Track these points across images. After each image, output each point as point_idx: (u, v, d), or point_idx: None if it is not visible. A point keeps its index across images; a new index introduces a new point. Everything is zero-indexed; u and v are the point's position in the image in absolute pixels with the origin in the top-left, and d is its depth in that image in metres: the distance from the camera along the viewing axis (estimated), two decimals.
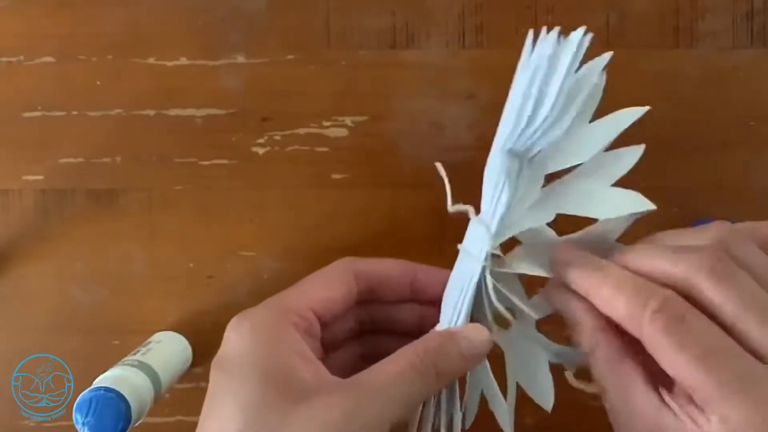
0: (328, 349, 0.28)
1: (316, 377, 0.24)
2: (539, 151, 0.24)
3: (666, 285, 0.21)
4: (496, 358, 0.27)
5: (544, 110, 0.22)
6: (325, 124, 0.49)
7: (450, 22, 0.49)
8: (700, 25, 0.50)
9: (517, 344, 0.26)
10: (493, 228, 0.24)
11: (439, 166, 0.28)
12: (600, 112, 0.47)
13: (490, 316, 0.26)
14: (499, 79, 0.44)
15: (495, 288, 0.25)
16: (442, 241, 0.49)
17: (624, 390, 0.21)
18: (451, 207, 0.27)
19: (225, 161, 0.49)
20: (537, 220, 0.24)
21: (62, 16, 0.49)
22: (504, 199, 0.24)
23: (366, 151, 0.49)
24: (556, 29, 0.23)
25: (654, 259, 0.22)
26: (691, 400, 0.19)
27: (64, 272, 0.49)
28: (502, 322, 0.26)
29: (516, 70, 0.25)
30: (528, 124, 0.23)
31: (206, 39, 0.49)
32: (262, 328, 0.25)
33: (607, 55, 0.25)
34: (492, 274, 0.25)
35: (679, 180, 0.50)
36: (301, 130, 0.49)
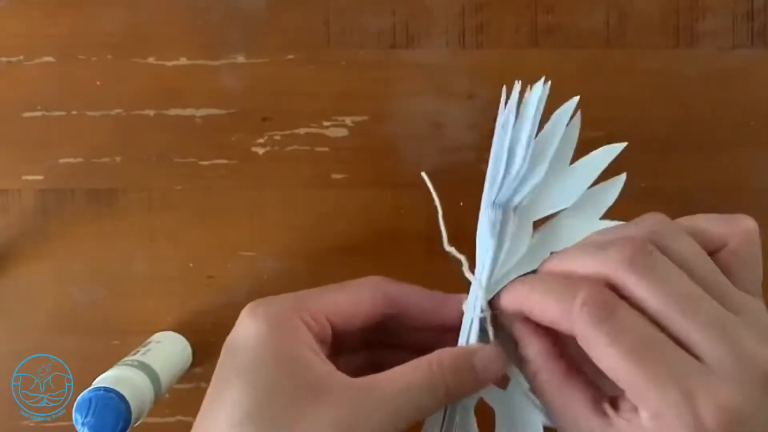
0: (335, 352, 0.28)
1: (328, 372, 0.23)
2: (523, 200, 0.25)
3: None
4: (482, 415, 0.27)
5: (518, 160, 0.24)
6: (325, 124, 0.49)
7: (450, 22, 0.49)
8: (700, 24, 0.50)
9: (511, 404, 0.26)
10: (484, 282, 0.25)
11: (429, 184, 0.28)
12: (600, 112, 0.47)
13: None
14: (499, 79, 0.43)
15: (498, 340, 0.25)
16: (442, 242, 0.49)
17: (570, 410, 0.21)
18: (447, 246, 0.27)
19: (225, 161, 0.49)
20: (533, 264, 0.25)
21: (62, 16, 0.49)
22: (490, 251, 0.25)
23: (366, 151, 0.49)
24: (518, 84, 0.24)
25: (578, 258, 0.22)
26: (632, 408, 0.19)
27: (64, 272, 0.49)
28: (500, 380, 0.26)
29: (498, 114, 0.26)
30: (505, 176, 0.24)
31: (206, 39, 0.49)
32: (278, 317, 0.24)
33: (574, 100, 0.26)
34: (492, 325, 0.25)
35: (679, 180, 0.50)
36: (301, 130, 0.49)
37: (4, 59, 0.49)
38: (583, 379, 0.22)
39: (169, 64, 0.49)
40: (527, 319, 0.23)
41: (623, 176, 0.26)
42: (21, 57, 0.49)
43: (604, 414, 0.20)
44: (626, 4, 0.50)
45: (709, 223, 0.22)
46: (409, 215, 0.49)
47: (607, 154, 0.26)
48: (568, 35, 0.50)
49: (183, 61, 0.49)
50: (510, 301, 0.24)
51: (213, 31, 0.49)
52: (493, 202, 0.25)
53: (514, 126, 0.25)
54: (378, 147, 0.49)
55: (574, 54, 0.49)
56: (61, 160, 0.49)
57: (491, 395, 0.26)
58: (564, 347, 0.23)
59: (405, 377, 0.23)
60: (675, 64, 0.50)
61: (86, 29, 0.49)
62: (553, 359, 0.22)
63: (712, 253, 0.21)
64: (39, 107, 0.49)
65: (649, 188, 0.50)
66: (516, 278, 0.25)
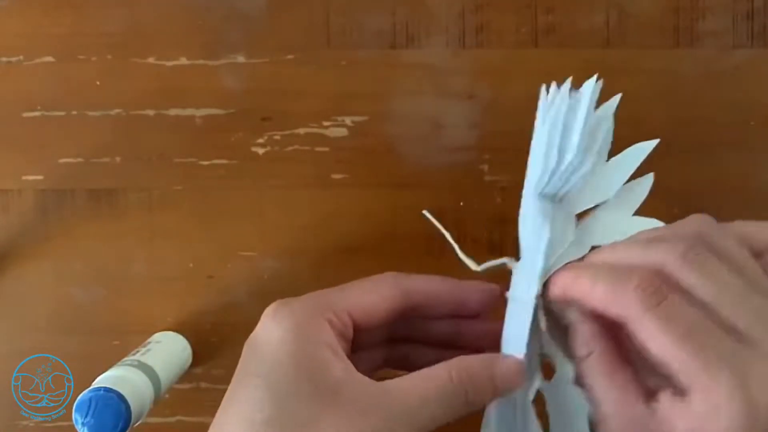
0: (355, 349, 0.28)
1: (348, 375, 0.23)
2: (567, 193, 0.26)
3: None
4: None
5: (569, 155, 0.25)
6: (325, 124, 0.49)
7: (450, 22, 0.49)
8: (700, 24, 0.50)
9: (559, 396, 0.26)
10: (539, 270, 0.25)
11: (428, 215, 0.28)
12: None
13: (537, 363, 0.26)
14: (499, 79, 0.44)
15: (548, 328, 0.25)
16: (442, 241, 0.49)
17: (614, 397, 0.21)
18: (466, 258, 0.28)
19: (225, 161, 0.49)
20: (575, 255, 0.25)
21: (62, 16, 0.49)
22: (545, 238, 0.25)
23: (366, 151, 0.49)
24: (568, 83, 0.25)
25: (627, 250, 0.22)
26: (674, 398, 0.19)
27: (64, 272, 0.49)
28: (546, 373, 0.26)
29: (535, 124, 0.27)
30: (555, 169, 0.25)
31: (206, 39, 0.49)
32: (299, 317, 0.25)
33: (617, 98, 0.27)
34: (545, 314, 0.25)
35: (679, 180, 0.50)
36: (301, 130, 0.49)
37: (3, 59, 0.49)
38: (629, 369, 0.22)
39: (169, 64, 0.49)
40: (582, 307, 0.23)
41: (651, 175, 0.27)
42: (21, 57, 0.49)
43: (648, 403, 0.20)
44: (626, 3, 0.50)
45: (756, 228, 0.23)
46: (409, 215, 0.49)
47: (640, 151, 0.27)
48: (568, 35, 0.50)
49: (183, 61, 0.49)
50: (560, 287, 0.24)
51: (213, 31, 0.49)
52: (542, 192, 0.25)
53: (561, 128, 0.25)
54: (378, 147, 0.49)
55: (574, 54, 0.49)
56: (61, 160, 0.49)
57: (544, 387, 0.26)
58: (611, 338, 0.23)
59: (424, 386, 0.23)
60: (675, 64, 0.50)
61: (86, 29, 0.49)
62: (602, 345, 0.23)
63: (757, 256, 0.22)
64: (39, 107, 0.49)
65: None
66: (562, 267, 0.25)
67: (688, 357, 0.19)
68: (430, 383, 0.24)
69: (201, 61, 0.49)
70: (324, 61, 0.49)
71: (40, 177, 0.49)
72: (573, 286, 0.23)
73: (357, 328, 0.27)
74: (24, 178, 0.49)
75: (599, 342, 0.23)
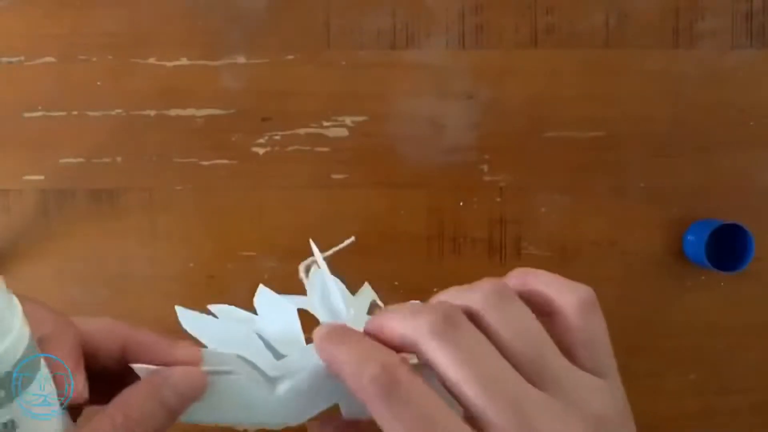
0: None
1: None
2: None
3: (402, 346, 0.21)
4: None
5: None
6: (325, 124, 0.49)
7: (450, 23, 0.49)
8: (699, 25, 0.50)
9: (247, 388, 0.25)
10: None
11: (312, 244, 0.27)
12: (600, 112, 0.47)
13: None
14: (499, 79, 0.44)
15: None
16: (442, 241, 0.49)
17: None
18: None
19: (225, 161, 0.49)
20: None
21: (62, 17, 0.49)
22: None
23: (366, 151, 0.49)
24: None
25: (392, 321, 0.22)
26: None
27: (64, 272, 0.49)
28: None
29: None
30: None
31: (206, 39, 0.49)
32: None
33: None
34: None
35: (679, 180, 0.50)
36: (301, 130, 0.49)
37: (4, 59, 0.49)
38: None
39: (170, 64, 0.49)
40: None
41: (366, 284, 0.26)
42: (22, 57, 0.49)
43: None
44: (626, 4, 0.50)
45: (548, 288, 0.22)
46: (409, 215, 0.49)
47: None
48: (567, 35, 0.50)
49: (183, 61, 0.49)
50: (320, 348, 0.23)
51: (213, 32, 0.49)
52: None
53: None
54: (378, 147, 0.49)
55: (574, 54, 0.49)
56: (62, 160, 0.49)
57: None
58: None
59: None
60: (674, 65, 0.50)
61: (87, 30, 0.49)
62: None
63: (551, 314, 0.21)
64: (40, 107, 0.49)
65: (649, 188, 0.51)
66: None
67: (479, 394, 0.18)
68: None
69: (201, 62, 0.49)
70: (324, 61, 0.49)
71: (41, 177, 0.49)
72: (332, 362, 0.22)
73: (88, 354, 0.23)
74: (25, 178, 0.49)
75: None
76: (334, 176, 0.49)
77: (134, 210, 0.49)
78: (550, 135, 0.50)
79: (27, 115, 0.49)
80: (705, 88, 0.50)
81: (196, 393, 0.22)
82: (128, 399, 0.22)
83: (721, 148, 0.50)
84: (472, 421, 0.18)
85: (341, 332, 0.22)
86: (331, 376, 0.22)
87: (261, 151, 0.49)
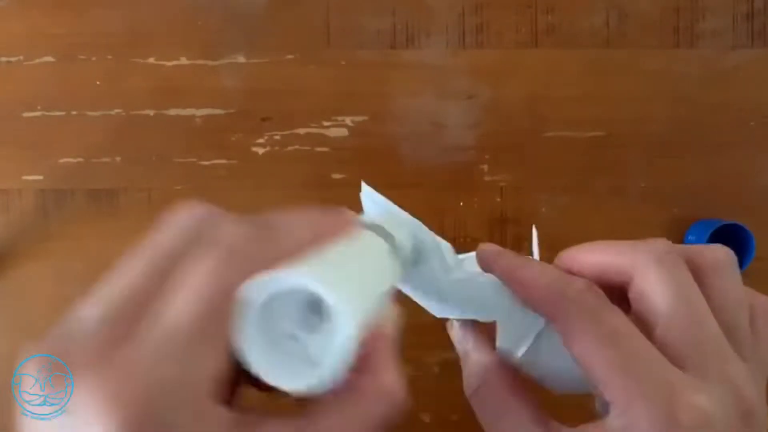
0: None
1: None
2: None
3: (597, 277, 0.21)
4: None
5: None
6: (325, 124, 0.49)
7: (450, 22, 0.49)
8: (700, 25, 0.50)
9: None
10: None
11: None
12: (601, 112, 0.47)
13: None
14: (499, 79, 0.44)
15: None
16: None
17: (512, 422, 0.21)
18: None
19: (225, 161, 0.49)
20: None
21: (62, 16, 0.49)
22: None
23: (366, 151, 0.49)
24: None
25: (590, 252, 0.22)
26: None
27: (64, 272, 0.49)
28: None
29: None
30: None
31: (206, 39, 0.49)
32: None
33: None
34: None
35: (679, 180, 0.50)
36: (301, 130, 0.49)
37: (3, 59, 0.49)
38: (525, 396, 0.22)
39: (169, 64, 0.49)
40: (481, 334, 0.23)
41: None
42: (21, 57, 0.49)
43: (547, 426, 0.20)
44: (626, 4, 0.50)
45: (750, 292, 0.22)
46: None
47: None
48: (568, 35, 0.50)
49: (183, 61, 0.49)
50: (505, 265, 0.23)
51: (213, 31, 0.49)
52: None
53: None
54: (378, 147, 0.49)
55: (575, 54, 0.49)
56: (61, 160, 0.49)
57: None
58: (503, 368, 0.23)
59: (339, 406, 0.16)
60: (675, 64, 0.50)
61: (86, 29, 0.49)
62: (499, 374, 0.22)
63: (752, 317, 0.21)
64: (39, 107, 0.49)
65: (649, 188, 0.50)
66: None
67: (612, 367, 0.18)
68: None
69: (201, 61, 0.49)
70: (324, 61, 0.49)
71: (40, 177, 0.49)
72: (516, 274, 0.22)
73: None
74: (24, 178, 0.49)
75: (493, 371, 0.22)
76: (334, 176, 0.49)
77: (133, 210, 0.49)
78: (551, 135, 0.50)
79: (26, 114, 0.49)
80: (706, 88, 0.50)
81: (393, 414, 0.18)
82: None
83: (722, 148, 0.50)
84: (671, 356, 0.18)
85: (514, 254, 0.23)
86: (498, 292, 0.22)
87: (261, 150, 0.49)
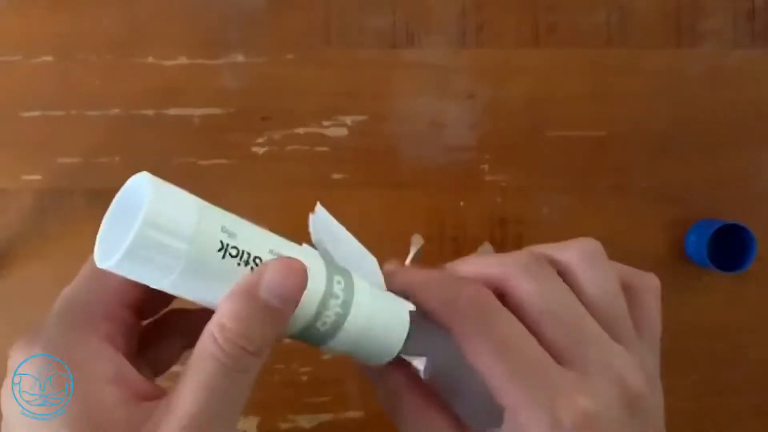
0: (149, 340, 0.23)
1: (129, 415, 0.19)
2: None
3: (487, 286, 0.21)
4: None
5: None
6: (325, 124, 0.49)
7: (450, 22, 0.49)
8: (701, 24, 0.50)
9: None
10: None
11: None
12: (601, 111, 0.47)
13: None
14: (500, 78, 0.44)
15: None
16: (441, 241, 0.49)
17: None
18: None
19: (224, 161, 0.49)
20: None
21: (61, 16, 0.49)
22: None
23: (366, 151, 0.49)
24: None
25: (469, 265, 0.23)
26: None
27: (63, 272, 0.49)
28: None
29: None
30: None
31: (205, 38, 0.49)
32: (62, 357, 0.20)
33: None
34: None
35: (681, 180, 0.50)
36: (301, 130, 0.49)
37: (2, 58, 0.49)
38: (440, 404, 0.22)
39: (168, 63, 0.49)
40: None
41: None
42: (20, 56, 0.49)
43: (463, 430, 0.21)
44: (627, 3, 0.49)
45: (625, 273, 0.23)
46: (409, 215, 0.49)
47: None
48: (569, 34, 0.49)
49: (182, 60, 0.49)
50: (402, 282, 0.23)
51: (212, 31, 0.49)
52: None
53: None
54: (378, 147, 0.49)
55: (575, 53, 0.49)
56: (60, 160, 0.49)
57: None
58: (417, 386, 0.23)
59: (193, 388, 0.18)
60: (676, 64, 0.50)
61: (85, 29, 0.49)
62: (413, 387, 0.23)
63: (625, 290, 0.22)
64: (38, 107, 0.49)
65: (649, 188, 0.50)
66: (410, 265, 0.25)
67: (502, 370, 0.19)
68: (196, 376, 0.18)
69: (200, 61, 0.49)
70: (324, 60, 0.49)
71: (38, 177, 0.49)
72: (416, 286, 0.23)
73: (138, 311, 0.22)
74: (23, 178, 0.49)
75: (410, 383, 0.22)
76: (334, 176, 0.49)
77: None
78: (552, 134, 0.50)
79: (24, 114, 0.49)
80: (707, 88, 0.50)
81: (299, 286, 0.19)
82: (219, 315, 0.19)
83: (723, 147, 0.50)
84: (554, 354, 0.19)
85: (418, 266, 0.24)
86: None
87: (260, 150, 0.49)
